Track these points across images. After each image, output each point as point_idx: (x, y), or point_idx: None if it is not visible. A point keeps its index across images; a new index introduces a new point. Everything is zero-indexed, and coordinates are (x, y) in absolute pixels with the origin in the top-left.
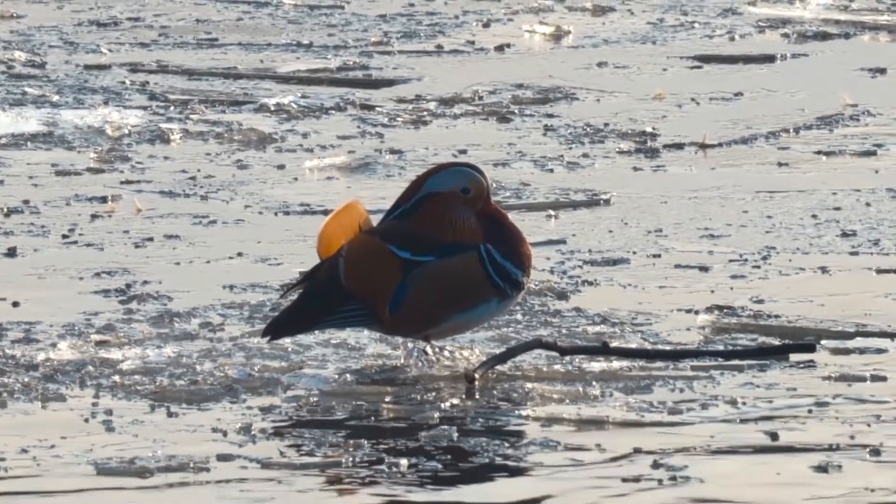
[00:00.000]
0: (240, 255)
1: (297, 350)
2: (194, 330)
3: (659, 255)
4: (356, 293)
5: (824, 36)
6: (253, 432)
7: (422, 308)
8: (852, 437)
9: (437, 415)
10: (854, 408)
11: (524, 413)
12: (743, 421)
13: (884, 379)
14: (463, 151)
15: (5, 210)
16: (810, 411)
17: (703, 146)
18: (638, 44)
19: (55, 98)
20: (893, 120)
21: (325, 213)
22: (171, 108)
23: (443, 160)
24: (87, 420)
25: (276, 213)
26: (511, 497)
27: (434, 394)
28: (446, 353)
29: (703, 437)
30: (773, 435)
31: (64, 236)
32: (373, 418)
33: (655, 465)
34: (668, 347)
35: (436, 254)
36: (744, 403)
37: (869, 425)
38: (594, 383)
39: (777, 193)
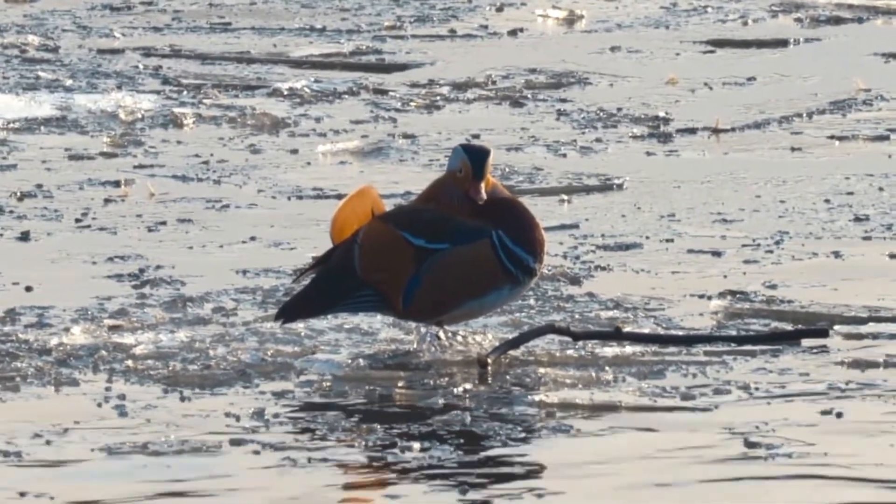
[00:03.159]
0: (253, 239)
1: (310, 335)
2: (207, 315)
3: (672, 240)
4: (370, 281)
5: (837, 20)
6: (266, 417)
7: (435, 295)
8: None
9: (441, 401)
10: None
11: (537, 398)
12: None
13: None
14: (476, 136)
15: (19, 194)
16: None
17: (716, 131)
18: (651, 28)
19: (68, 82)
20: None
21: (339, 197)
22: (185, 92)
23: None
24: (100, 405)
25: (289, 198)
26: (526, 479)
27: (447, 378)
28: (459, 339)
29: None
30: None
31: (77, 220)
32: (386, 403)
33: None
34: (680, 332)
35: (450, 241)
36: (756, 388)
37: None
38: (607, 368)
39: (790, 178)
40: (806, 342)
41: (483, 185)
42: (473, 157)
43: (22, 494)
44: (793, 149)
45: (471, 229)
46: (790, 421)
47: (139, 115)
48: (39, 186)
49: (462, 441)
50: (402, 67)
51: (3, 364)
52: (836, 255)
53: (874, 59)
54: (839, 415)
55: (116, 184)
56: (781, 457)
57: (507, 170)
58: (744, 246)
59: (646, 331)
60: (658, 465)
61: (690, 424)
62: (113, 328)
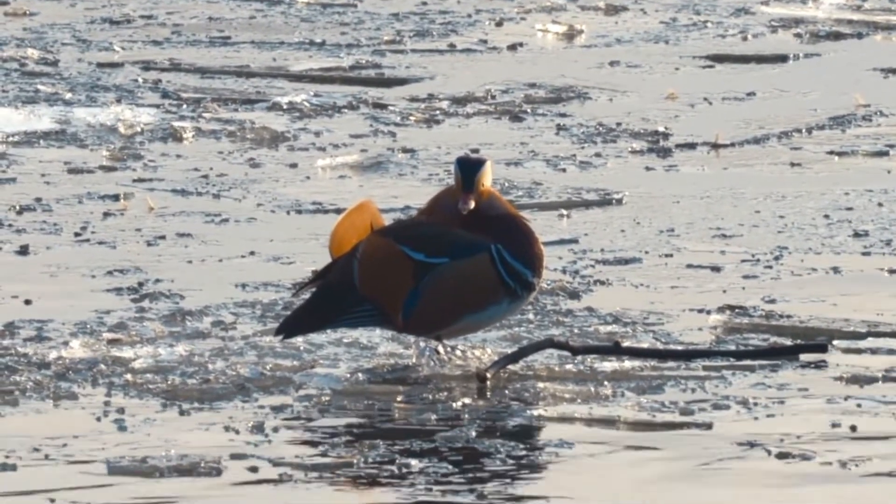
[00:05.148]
0: (252, 253)
1: (309, 349)
2: (206, 328)
3: (671, 255)
4: (370, 296)
5: (837, 36)
6: (265, 431)
7: (434, 310)
8: None
9: (440, 416)
10: None
11: (536, 413)
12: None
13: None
14: (475, 150)
15: (18, 208)
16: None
17: (716, 146)
18: (651, 43)
19: (68, 96)
20: None
21: (338, 211)
22: (184, 106)
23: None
24: (99, 419)
25: (288, 212)
26: (530, 497)
27: (446, 393)
28: (458, 353)
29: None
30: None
31: (76, 234)
32: (385, 418)
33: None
34: (679, 347)
35: (449, 255)
36: (755, 404)
37: None
38: (606, 383)
39: (789, 193)
40: (805, 357)
41: (471, 196)
42: (463, 169)
43: None
44: (792, 164)
45: (470, 243)
46: (807, 433)
47: (138, 129)
48: (38, 200)
49: (461, 458)
50: (402, 82)
51: (2, 378)
52: (836, 270)
53: (874, 75)
54: (853, 427)
55: (116, 197)
56: (838, 464)
57: (506, 184)
58: (743, 261)
59: (645, 345)
60: (683, 471)
61: (698, 438)
62: (112, 342)
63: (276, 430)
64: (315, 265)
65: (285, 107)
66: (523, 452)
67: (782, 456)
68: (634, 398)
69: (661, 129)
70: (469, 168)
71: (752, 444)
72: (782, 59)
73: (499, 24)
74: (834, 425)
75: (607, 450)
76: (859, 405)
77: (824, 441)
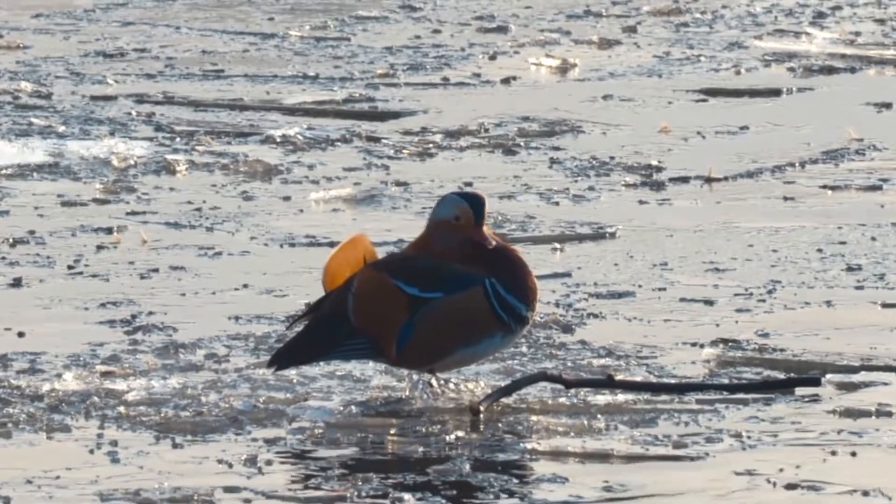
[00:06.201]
0: (245, 286)
1: (303, 382)
2: (199, 361)
3: (664, 289)
4: (363, 328)
5: (830, 70)
6: (258, 464)
7: (427, 343)
8: None
9: (433, 449)
10: None
11: (529, 446)
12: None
13: (889, 414)
14: (469, 184)
15: (11, 240)
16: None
17: (709, 180)
18: (644, 77)
19: (61, 129)
20: None
21: (331, 245)
22: (177, 139)
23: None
24: (92, 451)
25: (281, 245)
26: None
27: (439, 426)
28: (451, 386)
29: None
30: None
31: (69, 267)
32: (378, 451)
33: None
34: (673, 381)
35: (443, 289)
36: (748, 437)
37: None
38: (599, 416)
39: (783, 227)
40: (798, 391)
41: (484, 228)
42: (474, 203)
43: None
44: (785, 198)
45: (463, 277)
46: (804, 462)
47: (132, 162)
48: (32, 233)
49: (455, 491)
50: (395, 115)
51: None
52: (829, 304)
53: (867, 109)
54: (853, 454)
55: (109, 230)
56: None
57: (499, 218)
58: (736, 295)
59: (638, 379)
60: None
61: (694, 470)
62: (105, 374)
63: (269, 462)
64: (308, 298)
65: (279, 140)
66: (517, 486)
67: (791, 487)
68: (628, 431)
69: (654, 162)
70: (479, 202)
71: (750, 474)
72: (776, 93)
73: (492, 57)
74: (832, 454)
75: (601, 483)
76: (854, 437)
77: (822, 472)
